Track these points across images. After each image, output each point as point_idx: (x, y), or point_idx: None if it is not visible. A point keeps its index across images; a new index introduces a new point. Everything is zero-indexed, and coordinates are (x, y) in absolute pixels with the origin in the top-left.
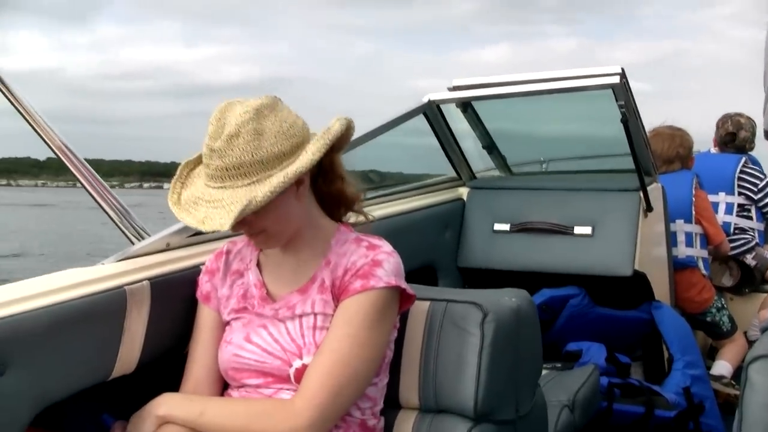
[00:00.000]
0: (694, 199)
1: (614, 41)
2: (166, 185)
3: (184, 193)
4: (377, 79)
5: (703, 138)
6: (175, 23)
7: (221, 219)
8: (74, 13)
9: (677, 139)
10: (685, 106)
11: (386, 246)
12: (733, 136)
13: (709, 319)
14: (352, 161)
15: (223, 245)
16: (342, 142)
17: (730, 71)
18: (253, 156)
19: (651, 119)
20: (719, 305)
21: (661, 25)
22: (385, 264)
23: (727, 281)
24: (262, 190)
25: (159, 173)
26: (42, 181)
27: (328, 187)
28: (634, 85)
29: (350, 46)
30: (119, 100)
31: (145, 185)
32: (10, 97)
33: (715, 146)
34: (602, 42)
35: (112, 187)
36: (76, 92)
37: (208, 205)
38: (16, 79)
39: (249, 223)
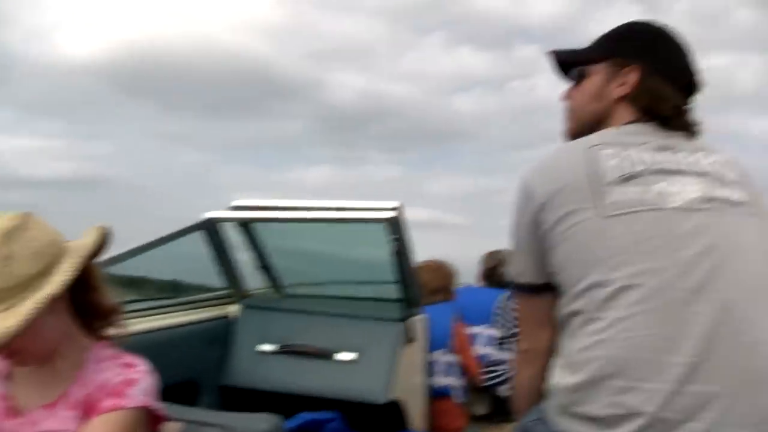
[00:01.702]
0: (453, 330)
1: (434, 173)
2: None
3: None
4: (201, 190)
5: None
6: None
7: None
8: None
9: (441, 272)
10: (496, 239)
11: (141, 365)
12: (493, 271)
13: None
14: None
15: None
16: (98, 251)
17: None
18: (6, 283)
19: (466, 251)
20: None
21: (479, 161)
22: (139, 383)
23: (480, 410)
24: (14, 318)
25: None
26: None
27: (83, 298)
28: (450, 217)
29: (176, 156)
30: None
31: None
32: None
33: (480, 280)
34: (423, 173)
35: None
36: None
37: None
38: None
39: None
